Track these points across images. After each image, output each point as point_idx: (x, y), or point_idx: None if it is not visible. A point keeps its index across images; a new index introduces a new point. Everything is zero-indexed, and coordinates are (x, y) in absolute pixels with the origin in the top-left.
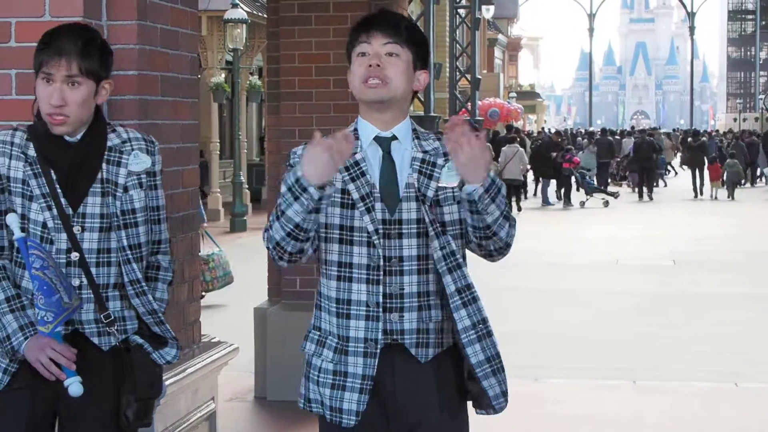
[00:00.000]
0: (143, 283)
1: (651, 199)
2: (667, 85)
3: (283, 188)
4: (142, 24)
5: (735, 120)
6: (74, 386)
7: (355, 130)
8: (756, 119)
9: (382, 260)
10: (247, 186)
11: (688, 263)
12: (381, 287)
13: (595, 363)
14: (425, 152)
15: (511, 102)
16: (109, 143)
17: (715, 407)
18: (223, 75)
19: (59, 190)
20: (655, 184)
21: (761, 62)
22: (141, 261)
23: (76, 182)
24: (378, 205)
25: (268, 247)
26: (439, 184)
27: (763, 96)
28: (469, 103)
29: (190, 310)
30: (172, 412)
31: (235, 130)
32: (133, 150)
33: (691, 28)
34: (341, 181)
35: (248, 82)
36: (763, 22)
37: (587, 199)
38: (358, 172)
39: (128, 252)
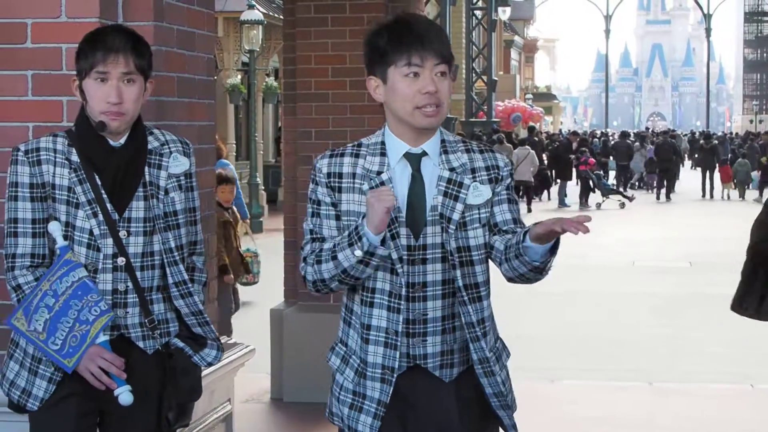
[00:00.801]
0: (189, 285)
1: (669, 199)
2: (684, 87)
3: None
4: (159, 25)
5: (751, 122)
6: (125, 395)
7: (382, 143)
8: None
9: (405, 288)
10: (263, 187)
11: (704, 265)
12: (402, 315)
13: (610, 364)
14: (452, 170)
15: (533, 105)
16: (149, 146)
17: (731, 409)
18: (239, 76)
19: (105, 196)
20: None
21: None
22: (184, 262)
23: (122, 187)
24: (403, 231)
25: (306, 278)
26: (467, 203)
27: None
28: (486, 105)
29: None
30: None
31: (251, 132)
32: (171, 153)
33: (708, 30)
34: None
35: (264, 84)
36: None
37: (603, 201)
38: None
39: (175, 253)
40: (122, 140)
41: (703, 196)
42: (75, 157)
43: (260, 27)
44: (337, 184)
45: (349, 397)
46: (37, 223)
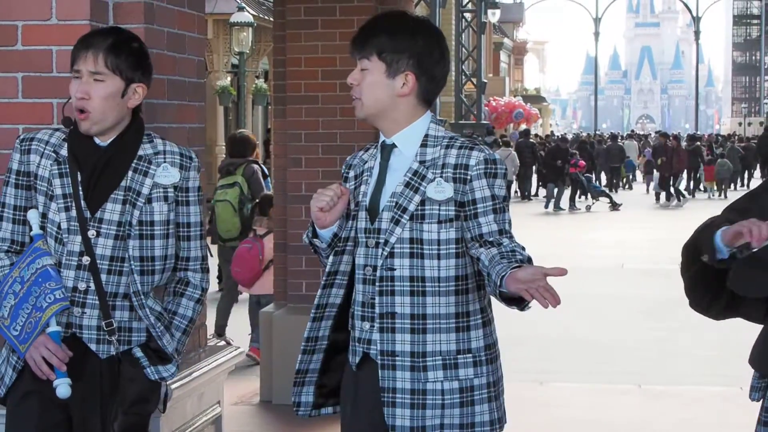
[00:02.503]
0: (142, 297)
1: (669, 201)
2: (673, 90)
3: None
4: (149, 27)
5: (740, 124)
6: (62, 387)
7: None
8: (761, 123)
9: (351, 267)
10: None
11: None
12: (343, 290)
13: (600, 367)
14: (422, 162)
15: (531, 106)
16: (140, 152)
17: (721, 411)
18: (229, 78)
19: (81, 193)
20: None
21: (766, 67)
22: (152, 274)
23: (97, 186)
24: (362, 214)
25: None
26: (427, 196)
27: None
28: (475, 107)
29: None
30: (177, 416)
31: None
32: (164, 162)
33: (697, 33)
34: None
35: (254, 86)
36: None
37: (593, 203)
38: (361, 180)
39: (136, 263)
40: (108, 141)
41: (689, 195)
42: (64, 151)
43: (250, 29)
44: (344, 175)
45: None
46: (17, 210)
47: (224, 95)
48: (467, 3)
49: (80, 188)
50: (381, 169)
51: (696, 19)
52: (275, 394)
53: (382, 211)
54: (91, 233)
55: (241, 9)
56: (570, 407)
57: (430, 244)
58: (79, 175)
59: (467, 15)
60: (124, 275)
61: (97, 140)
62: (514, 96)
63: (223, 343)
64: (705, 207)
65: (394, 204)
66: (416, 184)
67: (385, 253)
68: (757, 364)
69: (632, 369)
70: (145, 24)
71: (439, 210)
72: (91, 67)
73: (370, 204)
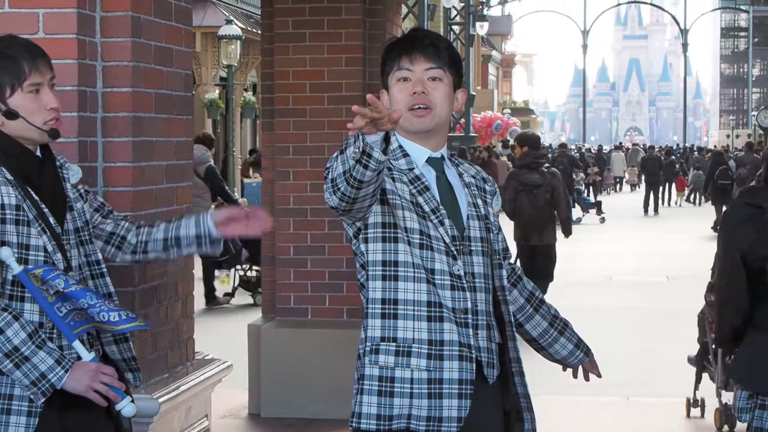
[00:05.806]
0: (115, 297)
1: (657, 213)
2: (661, 102)
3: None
4: (136, 41)
5: (728, 136)
6: (129, 407)
7: (400, 146)
8: (749, 135)
9: (463, 271)
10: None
11: (681, 279)
12: (469, 295)
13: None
14: (473, 177)
15: (510, 117)
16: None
17: (710, 424)
18: (217, 91)
19: (46, 210)
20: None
21: (754, 79)
22: (103, 277)
23: (58, 199)
24: (447, 222)
25: (325, 177)
26: (493, 207)
27: (755, 112)
28: (463, 119)
29: (183, 327)
30: (165, 430)
31: (229, 147)
32: (65, 163)
33: (684, 45)
34: (409, 193)
35: (242, 99)
36: (756, 39)
37: (583, 216)
38: (422, 186)
39: (102, 265)
40: (38, 152)
41: (663, 203)
42: (8, 175)
43: (238, 42)
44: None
45: (425, 387)
46: None
47: (212, 108)
48: (455, 16)
49: (42, 205)
50: (441, 180)
51: (684, 32)
52: (263, 408)
53: (469, 219)
54: (67, 247)
55: (229, 22)
56: (557, 420)
57: (497, 254)
58: (33, 194)
59: (455, 27)
60: (86, 281)
61: (31, 150)
62: (503, 110)
63: (210, 356)
64: (698, 222)
65: (476, 212)
66: (483, 197)
67: (486, 261)
68: (748, 382)
69: (620, 381)
70: (132, 38)
71: (495, 221)
72: (51, 73)
73: (448, 213)
